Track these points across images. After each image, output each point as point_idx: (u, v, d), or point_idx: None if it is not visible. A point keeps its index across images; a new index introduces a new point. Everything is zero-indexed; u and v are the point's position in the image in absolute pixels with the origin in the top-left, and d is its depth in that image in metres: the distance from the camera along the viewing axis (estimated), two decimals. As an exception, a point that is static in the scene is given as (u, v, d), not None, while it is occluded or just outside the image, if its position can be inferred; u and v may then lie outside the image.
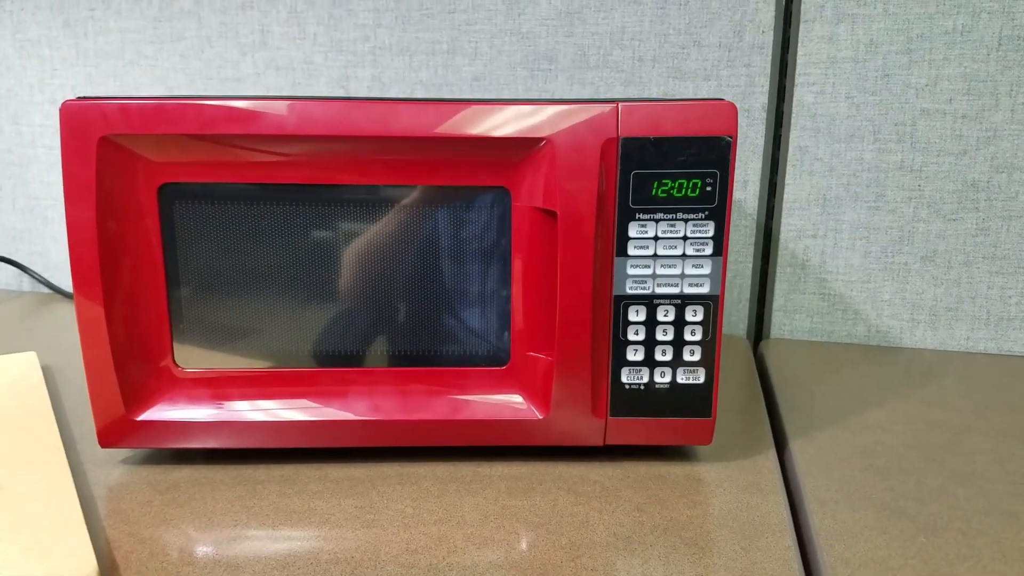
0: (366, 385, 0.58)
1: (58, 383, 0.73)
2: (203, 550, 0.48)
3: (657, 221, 0.53)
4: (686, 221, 0.54)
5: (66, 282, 1.06)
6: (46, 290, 1.07)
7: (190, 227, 0.55)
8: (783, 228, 0.87)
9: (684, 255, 0.54)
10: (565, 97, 0.85)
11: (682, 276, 0.55)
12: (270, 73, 0.93)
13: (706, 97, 0.78)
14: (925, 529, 0.51)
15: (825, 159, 0.84)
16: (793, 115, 0.84)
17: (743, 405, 0.70)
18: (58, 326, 0.91)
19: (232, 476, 0.57)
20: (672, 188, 0.53)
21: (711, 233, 0.54)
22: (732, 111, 0.52)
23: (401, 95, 0.91)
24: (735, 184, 0.87)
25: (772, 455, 0.61)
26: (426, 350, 0.58)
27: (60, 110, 0.52)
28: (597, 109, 0.52)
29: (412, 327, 0.57)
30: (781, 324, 0.89)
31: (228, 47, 0.94)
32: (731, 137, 0.52)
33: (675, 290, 0.55)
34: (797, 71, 0.83)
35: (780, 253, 0.88)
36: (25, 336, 0.88)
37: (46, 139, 1.02)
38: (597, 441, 0.58)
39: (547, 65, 0.88)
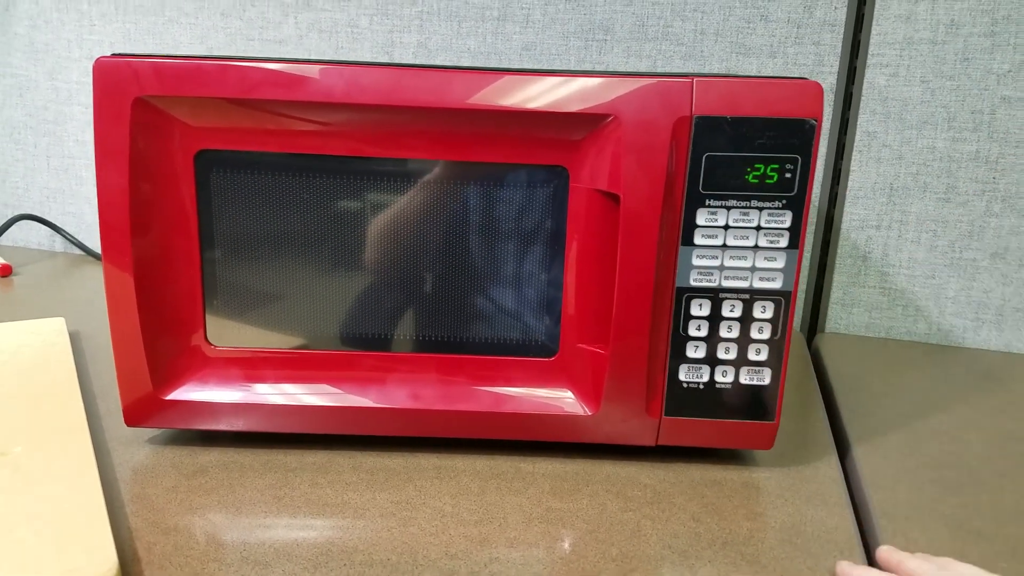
0: (405, 372, 0.55)
1: (86, 351, 0.71)
2: (230, 545, 0.45)
3: (729, 209, 0.49)
4: (761, 210, 0.49)
5: (99, 245, 1.04)
6: (78, 252, 1.05)
7: (228, 197, 0.52)
8: (845, 217, 0.82)
9: (756, 246, 0.50)
10: (620, 70, 0.81)
11: (752, 269, 0.50)
12: (313, 36, 0.89)
13: (773, 75, 0.73)
14: (1005, 553, 0.47)
15: (894, 146, 0.80)
16: (863, 98, 0.79)
17: (799, 403, 0.66)
18: (89, 290, 0.89)
19: (262, 462, 0.54)
20: (748, 174, 0.48)
21: (787, 224, 0.49)
22: (818, 91, 0.48)
23: (447, 64, 0.87)
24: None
25: (834, 462, 0.57)
26: (470, 338, 0.54)
27: (94, 67, 0.48)
28: (670, 84, 0.48)
29: (456, 312, 0.54)
30: (838, 318, 0.85)
31: (270, 7, 0.90)
32: (816, 120, 0.48)
33: (744, 284, 0.51)
34: (870, 51, 0.78)
35: (841, 243, 0.83)
36: (55, 299, 0.86)
37: (83, 96, 0.99)
38: (648, 441, 0.54)
39: (602, 35, 0.83)
